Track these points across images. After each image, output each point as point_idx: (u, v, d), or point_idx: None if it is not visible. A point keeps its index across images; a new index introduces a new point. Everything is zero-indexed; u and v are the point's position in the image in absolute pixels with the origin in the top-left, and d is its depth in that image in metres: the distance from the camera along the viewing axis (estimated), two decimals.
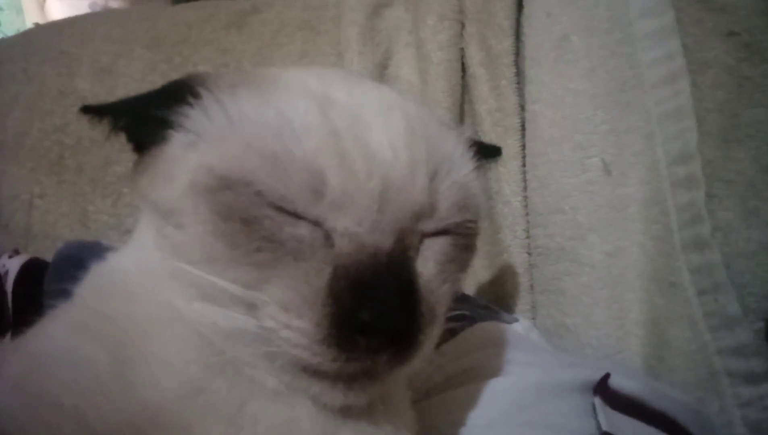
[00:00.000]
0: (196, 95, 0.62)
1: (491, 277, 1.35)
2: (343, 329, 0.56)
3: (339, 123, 0.60)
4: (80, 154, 1.53)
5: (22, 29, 2.65)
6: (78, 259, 0.73)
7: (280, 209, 0.57)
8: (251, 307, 0.58)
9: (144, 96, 0.65)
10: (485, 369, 0.91)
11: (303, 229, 0.58)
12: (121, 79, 1.55)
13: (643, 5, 1.21)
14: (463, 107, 1.42)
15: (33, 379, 0.60)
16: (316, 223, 0.58)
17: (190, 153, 0.61)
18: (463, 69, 1.42)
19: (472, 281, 1.34)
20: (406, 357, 0.60)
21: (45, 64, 1.67)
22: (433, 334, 0.64)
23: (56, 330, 0.66)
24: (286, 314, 0.57)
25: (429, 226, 0.63)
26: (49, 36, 1.81)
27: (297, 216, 0.58)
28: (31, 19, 3.47)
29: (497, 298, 1.31)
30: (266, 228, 0.57)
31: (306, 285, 0.57)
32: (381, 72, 1.44)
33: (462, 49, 1.41)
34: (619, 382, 0.86)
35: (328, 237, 0.59)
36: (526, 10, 1.34)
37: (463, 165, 0.68)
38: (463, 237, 0.66)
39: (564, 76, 1.25)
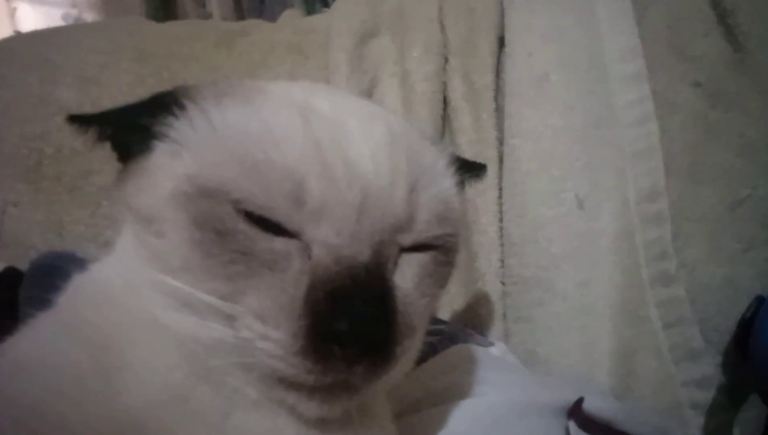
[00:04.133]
0: (182, 106, 0.63)
1: (465, 304, 1.36)
2: (319, 340, 0.56)
3: (320, 132, 0.60)
4: (60, 163, 1.51)
5: None
6: (56, 268, 0.72)
7: (257, 221, 0.58)
8: (229, 318, 0.58)
9: (130, 106, 0.66)
10: (465, 388, 0.92)
11: (278, 244, 0.58)
12: (107, 91, 1.54)
13: (617, 50, 1.28)
14: (443, 138, 1.45)
15: (15, 384, 0.59)
16: (294, 234, 0.59)
17: (174, 162, 0.61)
18: (445, 101, 1.45)
19: (447, 308, 1.36)
20: (382, 368, 0.60)
21: (27, 72, 1.64)
22: (410, 346, 0.64)
23: (39, 336, 0.65)
24: (263, 325, 0.57)
25: (407, 239, 0.63)
26: (32, 44, 1.79)
27: (274, 228, 0.58)
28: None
29: (471, 325, 1.32)
30: (239, 241, 0.57)
31: (283, 295, 0.57)
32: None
33: (445, 82, 1.45)
34: (593, 405, 0.88)
35: (306, 247, 0.59)
36: (508, 48, 1.39)
37: (444, 178, 0.68)
38: (442, 251, 0.66)
39: (543, 111, 1.30)
